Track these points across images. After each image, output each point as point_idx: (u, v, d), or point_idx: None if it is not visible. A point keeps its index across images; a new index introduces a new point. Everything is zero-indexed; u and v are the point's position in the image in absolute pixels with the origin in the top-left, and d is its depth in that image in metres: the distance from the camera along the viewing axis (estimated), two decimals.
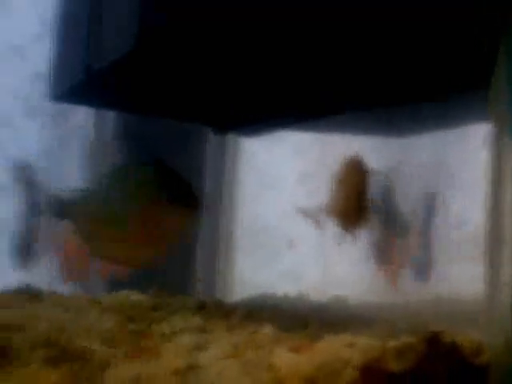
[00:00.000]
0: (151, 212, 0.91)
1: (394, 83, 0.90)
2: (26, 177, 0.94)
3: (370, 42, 0.80)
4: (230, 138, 1.28)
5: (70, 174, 1.32)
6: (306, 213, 1.04)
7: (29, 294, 0.93)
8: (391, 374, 0.64)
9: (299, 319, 0.92)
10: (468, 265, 1.07)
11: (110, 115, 1.32)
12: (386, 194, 1.05)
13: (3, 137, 1.41)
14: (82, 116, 1.47)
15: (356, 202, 1.03)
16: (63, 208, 0.94)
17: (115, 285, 1.17)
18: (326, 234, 1.06)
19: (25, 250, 0.95)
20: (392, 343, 0.67)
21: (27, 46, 2.44)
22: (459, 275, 0.96)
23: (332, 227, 1.06)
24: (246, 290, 1.25)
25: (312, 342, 0.73)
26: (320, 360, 0.64)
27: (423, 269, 1.12)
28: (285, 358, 0.65)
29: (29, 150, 1.35)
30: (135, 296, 1.13)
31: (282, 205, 1.20)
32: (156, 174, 0.94)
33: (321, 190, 1.03)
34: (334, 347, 0.68)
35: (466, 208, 1.28)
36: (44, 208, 0.94)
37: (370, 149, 1.08)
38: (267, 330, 0.79)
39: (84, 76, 0.94)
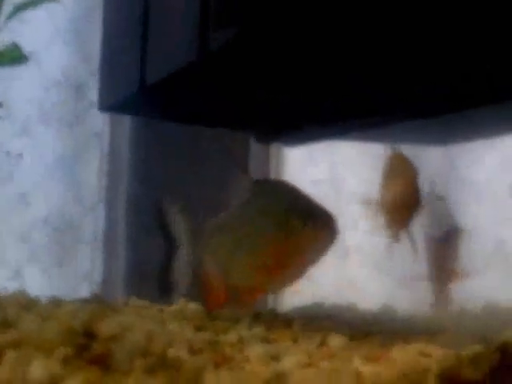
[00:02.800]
0: (285, 238, 0.92)
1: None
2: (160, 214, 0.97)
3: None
4: (274, 146, 1.31)
5: None
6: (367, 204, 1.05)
7: (99, 304, 0.97)
8: (468, 383, 0.67)
9: (356, 329, 0.96)
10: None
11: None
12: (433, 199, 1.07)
13: None
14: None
15: (408, 198, 1.04)
16: (199, 240, 0.97)
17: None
18: (377, 242, 1.08)
19: (164, 285, 0.98)
20: (466, 352, 0.70)
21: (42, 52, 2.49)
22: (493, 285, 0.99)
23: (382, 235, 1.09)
24: (294, 299, 1.29)
25: (385, 351, 0.76)
26: (400, 369, 0.67)
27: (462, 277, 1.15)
28: (367, 367, 0.69)
29: None
30: (191, 305, 1.16)
31: None
32: (286, 197, 0.95)
33: None
34: (411, 356, 0.72)
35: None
36: (180, 242, 0.97)
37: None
38: (337, 339, 0.82)
39: (136, 89, 0.97)
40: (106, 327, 0.67)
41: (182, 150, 1.77)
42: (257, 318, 1.09)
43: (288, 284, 0.98)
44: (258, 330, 0.95)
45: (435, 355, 0.71)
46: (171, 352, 0.70)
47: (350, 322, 1.05)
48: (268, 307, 1.33)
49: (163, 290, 0.98)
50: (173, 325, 0.86)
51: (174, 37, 0.90)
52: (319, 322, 1.02)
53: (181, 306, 1.11)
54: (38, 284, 2.45)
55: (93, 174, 2.48)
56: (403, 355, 0.72)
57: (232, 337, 0.90)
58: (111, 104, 1.09)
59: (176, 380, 0.65)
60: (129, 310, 0.96)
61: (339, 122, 1.12)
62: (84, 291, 2.35)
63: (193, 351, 0.75)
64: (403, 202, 1.03)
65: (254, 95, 1.02)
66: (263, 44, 0.79)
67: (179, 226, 0.97)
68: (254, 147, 1.29)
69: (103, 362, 0.66)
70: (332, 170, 1.25)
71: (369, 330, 0.95)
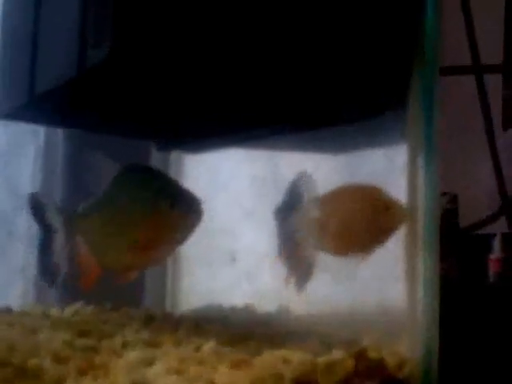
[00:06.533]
0: (154, 219, 0.96)
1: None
2: (34, 202, 1.02)
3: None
4: (174, 154, 1.34)
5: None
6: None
7: None
8: None
9: (243, 332, 0.97)
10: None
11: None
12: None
13: None
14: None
15: None
16: (72, 225, 1.01)
17: (72, 297, 1.22)
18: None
19: (46, 270, 1.02)
20: (322, 359, 0.73)
21: None
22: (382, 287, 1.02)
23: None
24: (194, 300, 1.30)
25: (252, 357, 0.78)
26: (255, 376, 0.69)
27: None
28: (224, 374, 0.70)
29: None
30: (88, 309, 1.17)
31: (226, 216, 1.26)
32: (155, 181, 1.00)
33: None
34: (271, 363, 0.74)
35: None
36: (55, 228, 1.01)
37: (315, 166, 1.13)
38: (211, 345, 0.84)
39: (26, 99, 0.99)
40: None
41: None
42: (149, 319, 1.11)
43: (157, 263, 1.05)
44: (145, 333, 0.96)
45: (294, 362, 0.73)
46: (33, 362, 0.71)
47: (242, 325, 1.07)
48: (164, 308, 1.34)
49: (45, 274, 1.02)
50: (45, 333, 0.87)
51: (58, 52, 0.93)
52: (208, 324, 1.03)
53: (72, 311, 1.12)
54: None
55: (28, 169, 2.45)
56: (265, 362, 0.74)
57: (116, 342, 0.91)
58: (6, 112, 1.11)
59: None
60: (3, 319, 0.96)
61: (235, 131, 1.14)
62: (18, 287, 2.32)
63: (58, 360, 0.75)
64: None
65: (142, 107, 1.03)
66: (134, 62, 0.81)
67: (53, 213, 1.02)
68: (155, 155, 1.31)
69: None
70: (228, 178, 1.27)
71: (255, 333, 0.97)
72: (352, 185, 0.98)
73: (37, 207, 1.02)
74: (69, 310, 1.14)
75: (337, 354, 0.74)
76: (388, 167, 0.96)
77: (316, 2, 0.82)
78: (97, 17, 0.84)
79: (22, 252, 2.56)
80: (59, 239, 1.01)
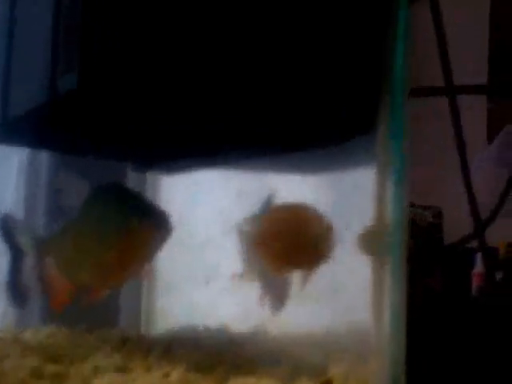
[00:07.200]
0: (124, 236, 0.97)
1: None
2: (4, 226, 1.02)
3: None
4: (150, 175, 1.34)
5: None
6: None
7: None
8: None
9: (215, 356, 0.97)
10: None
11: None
12: None
13: None
14: None
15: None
16: (42, 246, 1.01)
17: (45, 319, 1.22)
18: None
19: (16, 292, 1.02)
20: None
21: None
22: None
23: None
24: (169, 321, 1.30)
25: None
26: None
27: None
28: None
29: None
30: (62, 331, 1.16)
31: (198, 239, 1.26)
32: (124, 200, 1.01)
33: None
34: None
35: None
36: (26, 250, 1.01)
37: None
38: (179, 372, 0.84)
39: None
40: None
41: None
42: (123, 342, 1.10)
43: (127, 280, 1.05)
44: (117, 358, 0.96)
45: None
46: None
47: (215, 347, 1.06)
48: (139, 328, 1.34)
49: (14, 297, 1.02)
50: (14, 360, 0.86)
51: (31, 77, 0.94)
52: (181, 347, 1.03)
53: (46, 333, 1.12)
54: None
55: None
56: None
57: (87, 367, 0.91)
58: None
59: None
60: None
61: (214, 152, 1.14)
62: None
63: None
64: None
65: (116, 129, 1.04)
66: (104, 86, 0.82)
67: (24, 236, 1.02)
68: (131, 176, 1.31)
69: None
70: (208, 199, 1.27)
71: (226, 356, 0.97)
72: (284, 204, 1.01)
73: (6, 229, 1.02)
74: (43, 333, 1.14)
75: (306, 382, 0.74)
76: (355, 189, 0.96)
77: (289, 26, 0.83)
78: (67, 43, 0.85)
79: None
80: (29, 261, 1.01)
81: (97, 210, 1.00)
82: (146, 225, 0.97)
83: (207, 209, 1.27)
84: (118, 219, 0.98)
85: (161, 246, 1.01)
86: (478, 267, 1.84)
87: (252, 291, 1.12)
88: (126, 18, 0.78)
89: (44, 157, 1.38)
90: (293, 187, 1.08)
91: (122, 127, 1.02)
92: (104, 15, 0.78)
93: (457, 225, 1.42)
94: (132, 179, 1.30)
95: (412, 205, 1.37)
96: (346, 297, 0.95)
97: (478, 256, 1.86)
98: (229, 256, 1.19)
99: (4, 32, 0.99)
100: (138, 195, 1.06)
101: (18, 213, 1.33)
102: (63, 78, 0.84)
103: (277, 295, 1.11)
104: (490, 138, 2.68)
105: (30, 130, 1.04)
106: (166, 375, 0.85)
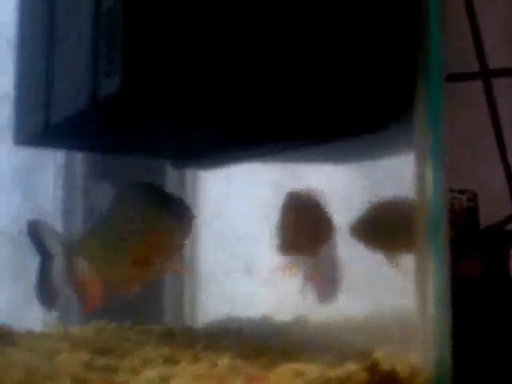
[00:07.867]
0: (154, 232, 1.01)
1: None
2: (37, 231, 1.04)
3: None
4: (189, 171, 1.36)
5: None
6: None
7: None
8: None
9: (260, 344, 0.99)
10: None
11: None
12: None
13: None
14: None
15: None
16: (74, 247, 1.04)
17: (92, 315, 1.24)
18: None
19: (47, 294, 1.05)
20: (336, 372, 0.74)
21: None
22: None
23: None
24: (212, 313, 1.32)
25: (267, 371, 0.80)
26: None
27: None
28: None
29: None
30: (109, 327, 1.19)
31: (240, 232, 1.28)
32: (153, 196, 1.05)
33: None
34: (284, 378, 0.75)
35: None
36: (57, 252, 1.03)
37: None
38: (226, 360, 0.85)
39: (42, 126, 1.02)
40: None
41: None
42: (169, 335, 1.12)
43: (158, 275, 1.11)
44: (165, 349, 0.98)
45: (307, 376, 0.74)
46: None
47: (259, 337, 1.08)
48: (183, 322, 1.36)
49: (45, 300, 1.05)
50: (65, 355, 0.88)
51: (72, 82, 0.95)
52: (225, 337, 1.05)
53: (93, 329, 1.14)
54: None
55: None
56: (279, 377, 0.76)
57: (135, 359, 0.93)
58: (23, 139, 1.14)
59: None
60: (24, 343, 0.98)
61: (249, 146, 1.16)
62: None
63: (78, 382, 0.77)
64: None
65: (156, 129, 1.06)
66: (146, 88, 0.83)
67: (52, 239, 1.04)
68: (170, 173, 1.34)
69: None
70: (246, 192, 1.29)
71: (271, 345, 0.99)
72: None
73: (35, 234, 1.04)
74: (90, 329, 1.16)
75: (350, 367, 0.75)
76: (395, 178, 0.97)
77: (320, 18, 0.84)
78: (109, 47, 0.87)
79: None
80: (58, 264, 1.04)
81: (127, 209, 1.04)
82: (175, 220, 1.03)
83: (245, 202, 1.28)
84: (148, 216, 1.02)
85: (186, 236, 1.07)
86: None
87: (291, 282, 1.14)
88: (167, 19, 0.79)
89: (77, 160, 1.40)
90: (333, 176, 1.09)
91: (161, 127, 1.04)
92: (146, 17, 0.80)
93: (491, 208, 1.41)
94: (172, 176, 1.32)
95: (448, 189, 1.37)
96: (389, 281, 0.96)
97: None
98: (267, 248, 1.20)
99: (46, 37, 1.01)
100: (165, 191, 1.10)
101: (51, 217, 1.36)
102: (106, 80, 0.86)
103: (325, 287, 1.13)
104: None
105: (73, 134, 1.06)
106: (214, 364, 0.86)
